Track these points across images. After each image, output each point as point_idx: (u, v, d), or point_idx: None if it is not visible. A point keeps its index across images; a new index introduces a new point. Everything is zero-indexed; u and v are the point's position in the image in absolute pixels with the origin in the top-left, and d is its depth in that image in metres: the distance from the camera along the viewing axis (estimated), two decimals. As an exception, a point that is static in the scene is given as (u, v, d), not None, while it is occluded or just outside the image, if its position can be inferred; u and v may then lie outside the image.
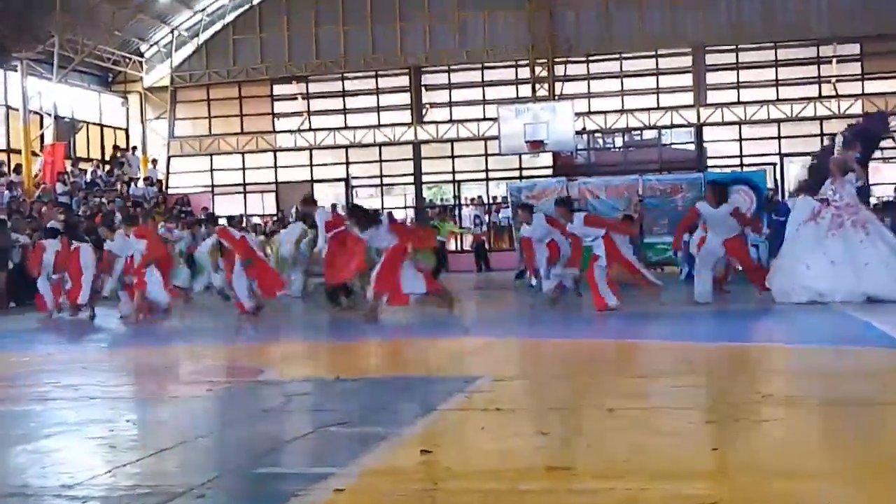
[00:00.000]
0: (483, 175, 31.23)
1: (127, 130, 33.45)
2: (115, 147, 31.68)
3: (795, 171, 30.06)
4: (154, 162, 32.08)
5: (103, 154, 31.71)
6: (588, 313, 12.13)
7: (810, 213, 11.78)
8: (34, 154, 27.39)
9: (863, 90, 29.49)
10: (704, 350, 7.97)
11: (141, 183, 29.99)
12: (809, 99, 29.66)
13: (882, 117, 13.81)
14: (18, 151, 27.26)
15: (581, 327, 10.78)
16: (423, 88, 31.85)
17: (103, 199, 25.92)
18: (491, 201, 31.09)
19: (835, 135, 13.85)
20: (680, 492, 3.49)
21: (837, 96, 29.58)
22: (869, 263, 11.15)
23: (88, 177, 28.39)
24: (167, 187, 32.17)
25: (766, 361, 7.36)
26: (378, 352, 9.25)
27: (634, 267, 12.40)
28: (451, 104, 31.84)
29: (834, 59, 29.78)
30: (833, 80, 29.75)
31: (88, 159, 30.62)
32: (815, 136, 29.59)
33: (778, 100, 29.82)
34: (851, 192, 11.65)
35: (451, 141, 31.47)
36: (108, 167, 30.55)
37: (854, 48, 29.68)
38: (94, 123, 32.10)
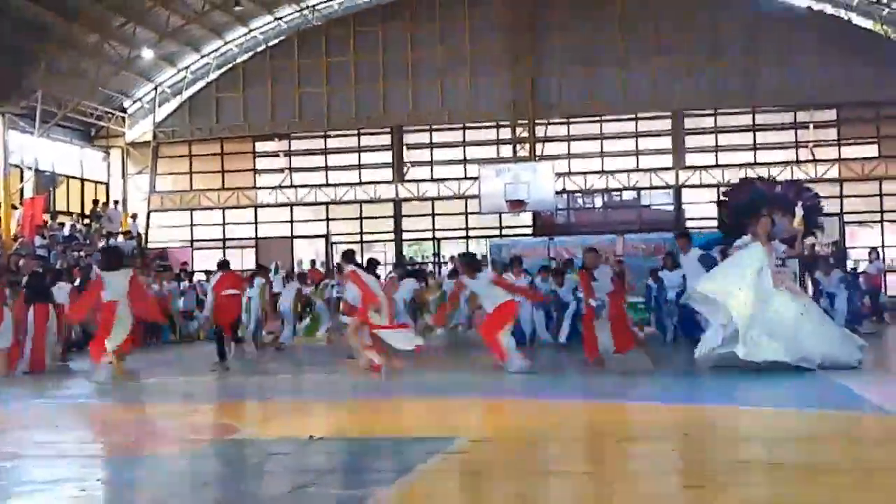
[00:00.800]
0: (463, 233, 31.32)
1: (108, 185, 33.43)
2: (95, 201, 31.62)
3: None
4: (134, 216, 32.02)
5: (83, 208, 31.64)
6: (566, 372, 12.09)
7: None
8: (13, 207, 27.29)
9: (839, 155, 29.87)
10: (686, 412, 7.95)
11: (120, 237, 29.89)
12: (787, 163, 29.99)
13: (746, 187, 13.98)
14: (-2, 205, 27.18)
15: (559, 388, 10.72)
16: (404, 147, 32.03)
17: (81, 253, 25.78)
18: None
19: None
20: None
21: (814, 161, 29.93)
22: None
23: (67, 230, 28.26)
24: (146, 242, 32.08)
25: (745, 425, 7.34)
26: (355, 411, 9.17)
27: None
28: (432, 163, 32.01)
29: (811, 125, 30.17)
30: (810, 145, 30.11)
31: (68, 213, 30.54)
32: (793, 199, 29.90)
33: (756, 163, 30.13)
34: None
35: (432, 199, 31.59)
36: (87, 221, 30.46)
37: (831, 114, 30.10)
38: (75, 177, 32.07)
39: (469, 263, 12.58)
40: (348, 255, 13.25)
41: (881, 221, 29.11)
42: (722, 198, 13.51)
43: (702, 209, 30.60)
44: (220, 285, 15.07)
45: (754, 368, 10.34)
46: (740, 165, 30.04)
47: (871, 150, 29.73)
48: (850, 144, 29.93)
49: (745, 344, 10.52)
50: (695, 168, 30.32)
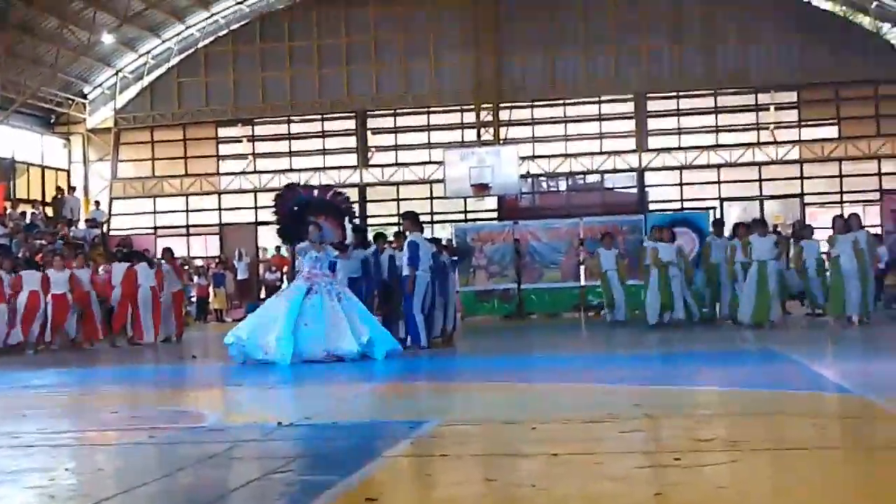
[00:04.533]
0: (429, 218, 31.33)
1: (69, 172, 33.07)
2: (58, 188, 31.29)
3: (736, 214, 30.64)
4: (97, 203, 31.71)
5: (44, 196, 31.30)
6: (532, 354, 12.17)
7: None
8: (-27, 196, 26.97)
9: (800, 136, 30.18)
10: (650, 393, 8.03)
11: (82, 224, 29.61)
12: (748, 145, 30.26)
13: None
14: (-44, 193, 26.85)
15: (527, 370, 10.80)
16: (368, 132, 31.96)
17: (43, 241, 25.51)
18: (447, 242, 31.08)
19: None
20: (625, 538, 3.51)
21: (775, 143, 30.21)
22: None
23: (28, 218, 27.95)
24: (109, 229, 31.80)
25: (710, 405, 7.43)
26: (322, 396, 9.18)
27: None
28: (396, 148, 31.98)
29: (772, 107, 30.44)
30: (771, 126, 30.39)
31: (29, 201, 30.19)
32: (754, 181, 30.18)
33: (718, 145, 30.38)
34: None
35: (397, 184, 31.57)
36: (48, 209, 30.14)
37: (791, 96, 30.39)
38: (36, 165, 31.71)
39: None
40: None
41: (841, 203, 29.46)
42: (272, 209, 14.28)
43: (665, 192, 30.85)
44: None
45: None
46: (703, 148, 30.31)
47: (832, 132, 30.07)
48: (810, 126, 30.24)
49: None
50: (657, 151, 30.51)
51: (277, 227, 14.28)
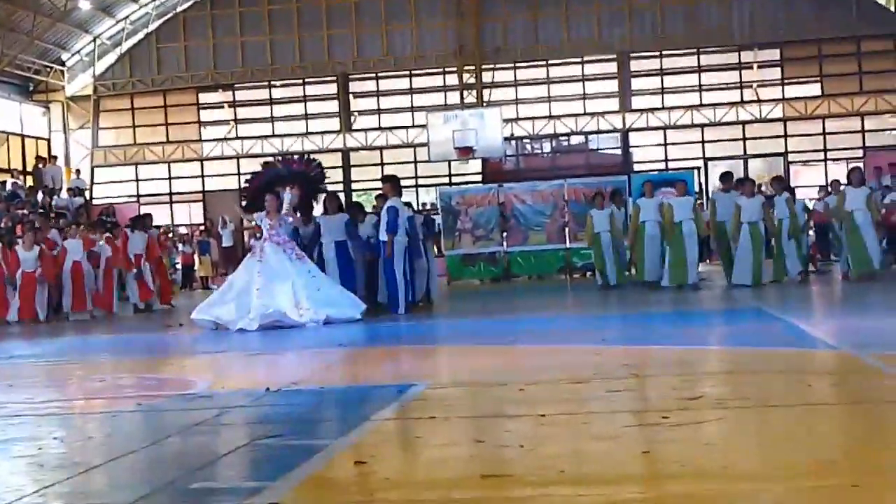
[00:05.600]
0: (413, 182, 31.23)
1: (49, 140, 32.79)
2: (38, 157, 31.04)
3: (719, 174, 30.66)
4: (78, 172, 31.48)
5: (25, 165, 31.03)
6: (518, 317, 12.19)
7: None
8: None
9: (783, 95, 30.15)
10: (637, 353, 8.07)
11: (65, 193, 29.41)
12: (732, 104, 30.23)
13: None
14: (-65, 163, 26.62)
15: (514, 333, 10.83)
16: (350, 96, 31.77)
17: (24, 211, 25.35)
18: (421, 208, 31.09)
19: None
20: (614, 496, 3.53)
21: (759, 101, 30.19)
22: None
23: (9, 188, 27.74)
24: (92, 198, 31.61)
25: (697, 364, 7.47)
26: (308, 361, 9.20)
27: None
28: (379, 111, 31.81)
29: (755, 65, 30.39)
30: (755, 85, 30.36)
31: (9, 170, 29.94)
32: (738, 140, 30.18)
33: (701, 105, 30.35)
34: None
35: (380, 148, 31.44)
36: (29, 178, 29.92)
37: (774, 54, 30.33)
38: (16, 134, 31.41)
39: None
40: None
41: (825, 161, 29.52)
42: (244, 185, 14.54)
43: (649, 152, 30.82)
44: None
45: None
46: (686, 107, 30.26)
47: (815, 90, 30.04)
48: (793, 84, 30.20)
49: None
50: (641, 111, 30.45)
51: (241, 200, 14.45)
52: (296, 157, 15.72)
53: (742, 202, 15.50)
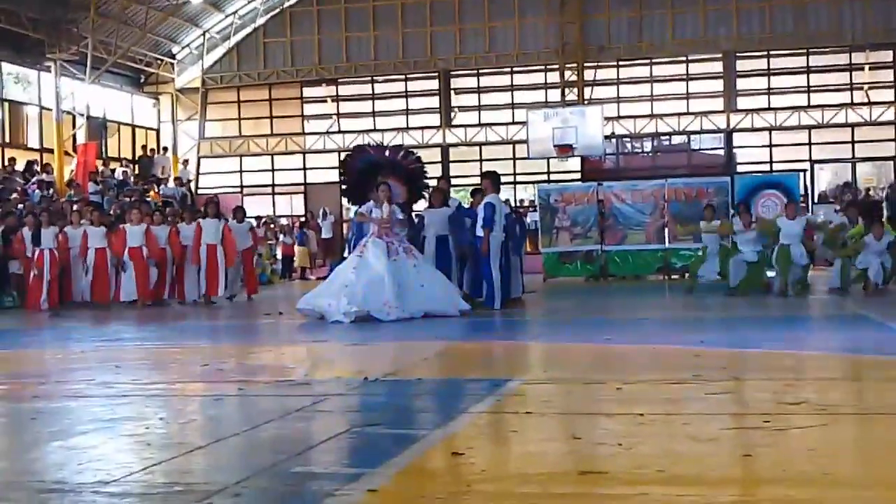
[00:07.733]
0: (511, 178, 31.20)
1: (158, 131, 33.70)
2: (143, 148, 31.92)
3: (826, 178, 29.94)
4: (185, 162, 32.30)
5: (134, 154, 31.96)
6: (615, 316, 12.09)
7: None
8: (66, 154, 27.65)
9: (895, 97, 29.24)
10: (737, 356, 7.94)
11: (171, 183, 30.20)
12: (841, 105, 29.45)
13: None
14: (51, 150, 27.55)
15: (610, 331, 10.75)
16: (452, 92, 31.89)
17: (133, 199, 26.08)
18: (518, 205, 31.03)
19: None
20: (713, 498, 3.49)
21: (870, 103, 29.35)
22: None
23: (119, 176, 28.60)
24: (197, 188, 32.38)
25: (801, 369, 7.32)
26: (405, 353, 9.27)
27: None
28: (479, 108, 31.87)
29: (866, 66, 29.56)
30: (865, 86, 29.53)
31: (119, 159, 30.87)
32: (847, 143, 29.42)
33: (809, 106, 29.64)
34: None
35: (480, 144, 31.49)
36: (138, 167, 30.81)
37: (887, 55, 29.45)
38: (126, 124, 32.37)
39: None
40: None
41: (939, 165, 28.56)
42: (340, 169, 14.14)
43: (753, 153, 30.23)
44: None
45: None
46: (793, 108, 29.60)
47: (929, 92, 29.07)
48: (906, 86, 29.29)
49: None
50: (746, 111, 29.89)
51: (344, 187, 14.38)
52: (388, 146, 15.61)
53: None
